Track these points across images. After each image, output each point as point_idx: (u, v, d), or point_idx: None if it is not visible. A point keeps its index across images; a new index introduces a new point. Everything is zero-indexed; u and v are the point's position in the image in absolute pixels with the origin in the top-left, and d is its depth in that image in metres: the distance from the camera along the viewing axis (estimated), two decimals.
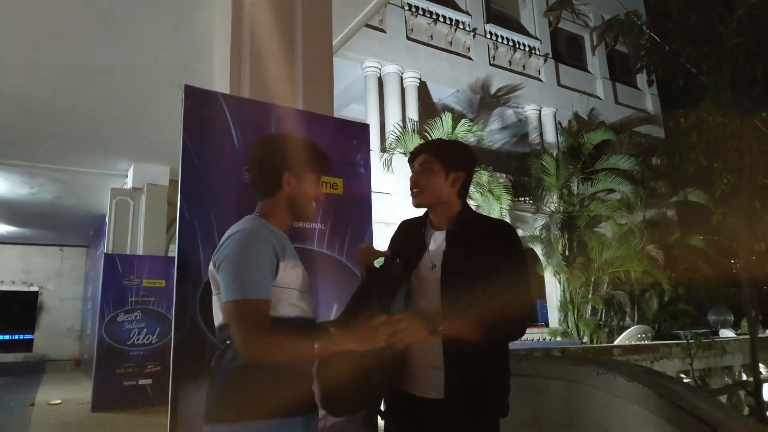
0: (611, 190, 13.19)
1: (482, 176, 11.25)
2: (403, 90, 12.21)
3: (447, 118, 10.87)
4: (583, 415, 2.31)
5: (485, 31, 13.92)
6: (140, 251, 8.70)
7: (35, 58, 5.10)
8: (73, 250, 17.67)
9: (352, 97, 12.76)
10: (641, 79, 16.63)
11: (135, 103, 6.29)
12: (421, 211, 1.84)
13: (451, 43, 13.19)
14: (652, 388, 1.94)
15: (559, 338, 11.70)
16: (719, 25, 4.49)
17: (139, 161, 8.98)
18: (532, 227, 13.12)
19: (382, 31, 12.04)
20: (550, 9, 15.53)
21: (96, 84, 5.71)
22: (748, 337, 4.48)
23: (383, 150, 11.16)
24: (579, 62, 16.40)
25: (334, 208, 2.85)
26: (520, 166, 13.93)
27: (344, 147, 2.98)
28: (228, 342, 1.42)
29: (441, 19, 13.07)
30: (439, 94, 13.51)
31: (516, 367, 2.68)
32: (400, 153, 10.62)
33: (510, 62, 14.25)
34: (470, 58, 13.46)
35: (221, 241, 1.49)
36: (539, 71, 14.83)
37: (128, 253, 8.68)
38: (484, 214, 8.68)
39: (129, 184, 9.29)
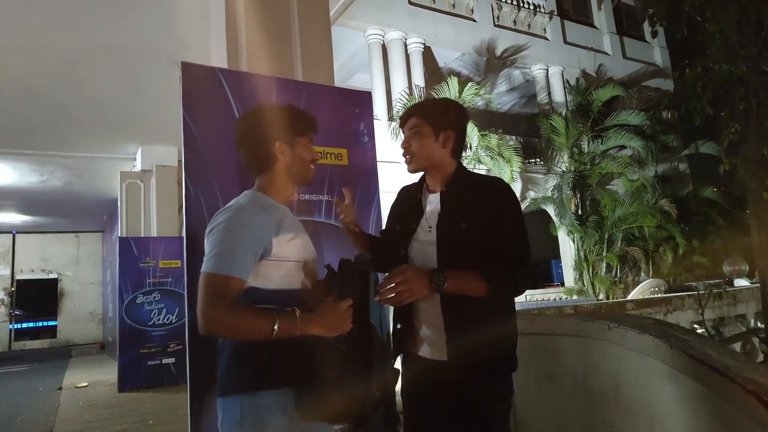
0: (622, 147, 13.06)
1: (492, 139, 11.15)
2: (407, 56, 12.02)
3: (453, 82, 10.72)
4: (597, 369, 2.33)
5: None
6: (154, 233, 8.80)
7: (34, 41, 5.09)
8: (88, 235, 17.93)
9: (356, 66, 12.61)
10: (649, 32, 16.23)
11: (137, 85, 6.29)
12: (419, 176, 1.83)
13: (453, 5, 12.90)
14: (662, 339, 1.95)
15: (575, 297, 11.74)
16: None
17: (147, 143, 9.01)
18: (543, 188, 13.07)
19: None
20: None
21: (96, 66, 5.71)
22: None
23: (390, 119, 11.07)
24: (585, 18, 15.99)
25: (340, 179, 2.85)
26: (529, 127, 13.78)
27: (347, 116, 2.96)
28: None
29: None
30: (445, 58, 13.30)
31: (528, 326, 2.71)
32: None
33: (515, 22, 13.93)
34: (474, 20, 13.18)
35: (213, 216, 1.50)
36: (545, 29, 14.50)
37: (142, 235, 8.79)
38: (495, 175, 8.59)
39: (138, 166, 9.34)
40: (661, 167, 14.33)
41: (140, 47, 5.28)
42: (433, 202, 1.70)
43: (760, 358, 4.56)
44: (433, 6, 12.53)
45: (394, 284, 1.46)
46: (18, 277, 17.00)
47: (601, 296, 11.62)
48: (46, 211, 13.92)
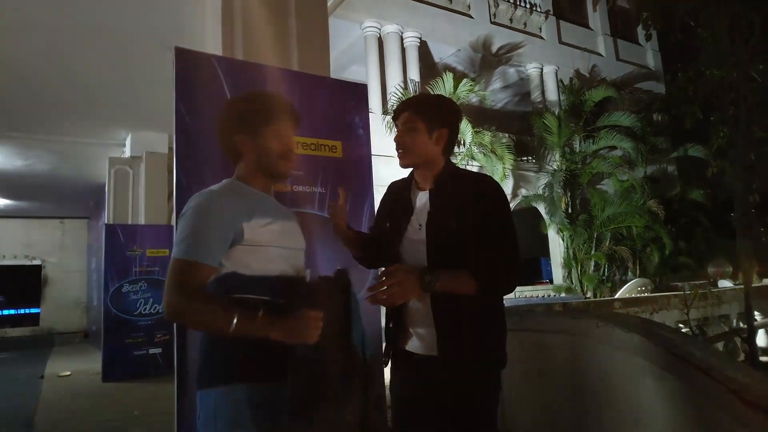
0: (613, 147, 13.15)
1: (485, 137, 11.18)
2: (403, 50, 12.01)
3: (448, 78, 10.72)
4: (585, 366, 2.36)
5: None
6: (142, 221, 8.70)
7: (21, 20, 4.96)
8: (73, 222, 17.67)
9: (352, 58, 12.56)
10: (643, 35, 16.31)
11: (128, 69, 6.19)
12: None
13: (451, 0, 12.90)
14: (649, 337, 1.97)
15: (563, 294, 11.86)
16: None
17: (137, 129, 8.89)
18: (535, 186, 13.15)
19: None
20: None
21: (87, 47, 5.58)
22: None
23: (385, 112, 11.06)
24: (580, 18, 16.05)
25: (333, 171, 2.84)
26: (522, 125, 13.82)
27: (342, 108, 2.94)
28: None
29: None
30: (440, 53, 13.29)
31: (518, 323, 2.73)
32: None
33: (511, 20, 13.96)
34: (471, 16, 13.18)
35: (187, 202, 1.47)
36: (540, 28, 14.55)
37: (130, 223, 8.69)
38: (487, 172, 8.70)
39: (127, 152, 9.22)
40: (650, 168, 14.46)
41: (133, 30, 5.19)
42: (422, 200, 1.69)
43: (741, 357, 4.65)
44: (430, 0, 12.51)
45: (386, 286, 1.46)
46: (0, 262, 16.76)
47: (589, 294, 11.73)
48: (31, 195, 13.69)
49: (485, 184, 1.65)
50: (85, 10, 4.82)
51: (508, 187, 12.64)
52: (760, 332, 5.28)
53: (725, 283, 9.69)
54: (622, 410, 2.13)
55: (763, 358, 5.12)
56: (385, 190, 1.87)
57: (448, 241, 1.56)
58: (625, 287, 10.26)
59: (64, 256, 17.49)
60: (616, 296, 9.53)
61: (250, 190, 1.52)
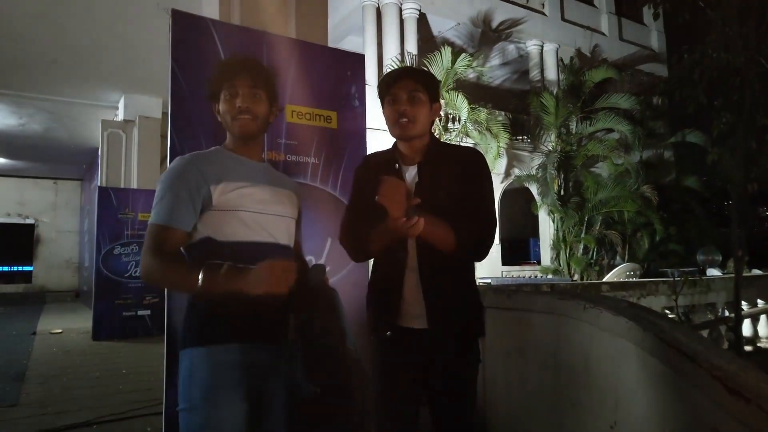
0: (610, 130, 13.10)
1: (480, 114, 11.10)
2: (402, 22, 11.81)
3: (446, 52, 10.60)
4: (568, 345, 2.38)
5: None
6: (134, 185, 8.69)
7: None
8: (67, 183, 17.62)
9: (349, 28, 12.37)
10: (648, 14, 16.06)
11: (122, 30, 6.09)
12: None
13: None
14: (636, 321, 1.99)
15: (550, 275, 11.95)
16: None
17: (130, 92, 8.80)
18: (528, 166, 13.12)
19: None
20: None
21: (80, 7, 5.49)
22: (733, 276, 4.57)
23: None
24: None
25: (328, 142, 2.81)
26: (519, 104, 13.71)
27: (338, 78, 2.90)
28: None
29: None
30: (440, 27, 13.09)
31: (505, 301, 2.75)
32: None
33: None
34: None
35: None
36: (543, 4, 14.30)
37: (122, 186, 8.66)
38: (481, 149, 8.57)
39: (120, 116, 9.15)
40: (646, 153, 14.44)
41: None
42: (411, 174, 1.70)
43: (725, 345, 4.71)
44: None
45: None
46: None
47: (576, 277, 11.84)
48: (25, 155, 13.63)
49: (471, 155, 1.73)
50: None
51: (501, 165, 12.62)
52: (746, 322, 5.35)
53: (713, 271, 9.78)
54: (602, 390, 2.16)
55: (747, 348, 5.21)
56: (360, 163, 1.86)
57: (438, 213, 1.57)
58: (614, 271, 10.36)
59: (57, 217, 17.49)
60: (605, 280, 9.63)
61: (229, 155, 1.53)
